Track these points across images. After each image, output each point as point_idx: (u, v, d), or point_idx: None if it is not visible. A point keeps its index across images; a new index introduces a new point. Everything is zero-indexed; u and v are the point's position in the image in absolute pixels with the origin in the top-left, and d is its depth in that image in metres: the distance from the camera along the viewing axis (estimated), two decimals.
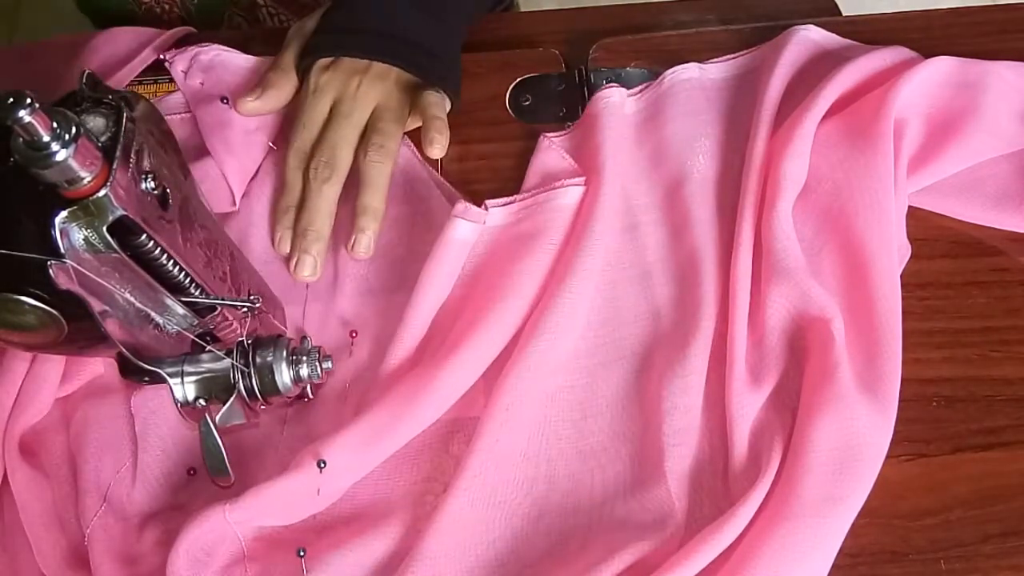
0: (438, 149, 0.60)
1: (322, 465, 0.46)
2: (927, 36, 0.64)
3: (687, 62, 0.64)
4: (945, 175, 0.58)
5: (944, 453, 0.51)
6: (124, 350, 0.43)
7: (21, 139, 0.34)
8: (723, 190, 0.58)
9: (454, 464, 0.50)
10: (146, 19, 0.81)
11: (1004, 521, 0.49)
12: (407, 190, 0.61)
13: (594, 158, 0.58)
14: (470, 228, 0.55)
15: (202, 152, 0.60)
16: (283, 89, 0.62)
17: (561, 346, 0.52)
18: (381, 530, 0.48)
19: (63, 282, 0.37)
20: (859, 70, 0.59)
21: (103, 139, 0.38)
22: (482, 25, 0.69)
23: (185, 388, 0.46)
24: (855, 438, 0.47)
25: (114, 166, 0.37)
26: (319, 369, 0.49)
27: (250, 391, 0.48)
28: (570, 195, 0.56)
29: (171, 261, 0.42)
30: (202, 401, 0.47)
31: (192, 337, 0.46)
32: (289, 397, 0.50)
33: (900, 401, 0.49)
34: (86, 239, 0.37)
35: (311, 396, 0.52)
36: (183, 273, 0.43)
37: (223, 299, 0.46)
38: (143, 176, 0.39)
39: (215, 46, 0.65)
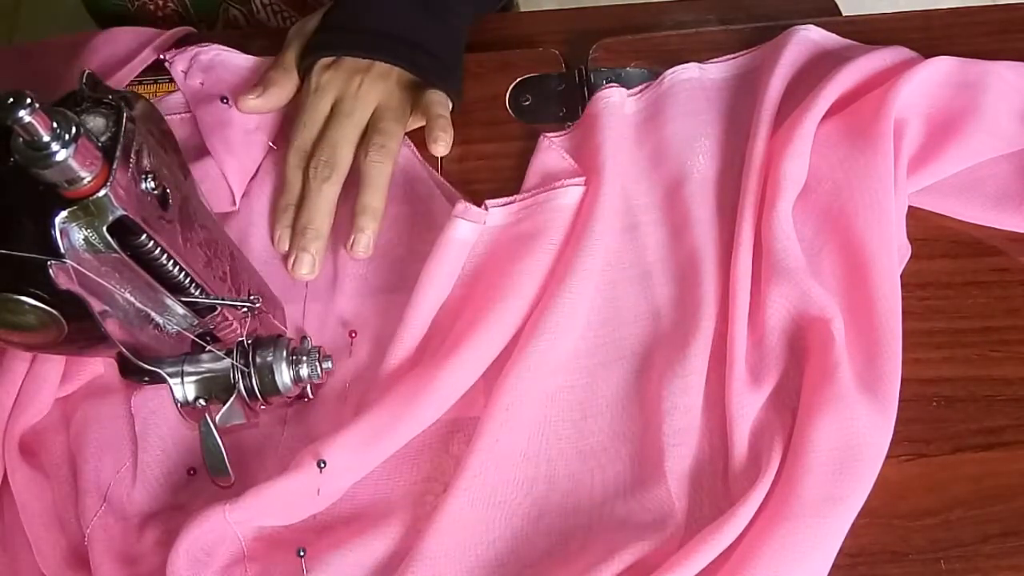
0: (442, 147, 0.60)
1: (322, 465, 0.46)
2: (927, 36, 0.64)
3: (687, 62, 0.64)
4: (945, 175, 0.58)
5: (944, 453, 0.51)
6: (124, 350, 0.43)
7: (21, 139, 0.34)
8: (723, 190, 0.58)
9: (454, 464, 0.50)
10: (140, 15, 0.82)
11: (1004, 521, 0.49)
12: (407, 190, 0.61)
13: (594, 158, 0.58)
14: (470, 228, 0.55)
15: (202, 152, 0.60)
16: (284, 88, 0.62)
17: (561, 346, 0.52)
18: (381, 530, 0.48)
19: (63, 282, 0.37)
20: (859, 70, 0.59)
21: (103, 139, 0.38)
22: (482, 25, 0.69)
23: (185, 388, 0.46)
24: (855, 438, 0.47)
25: (114, 166, 0.37)
26: (319, 369, 0.49)
27: (250, 391, 0.48)
28: (570, 195, 0.56)
29: (171, 261, 0.42)
30: (202, 401, 0.47)
31: (192, 337, 0.46)
32: (289, 397, 0.50)
33: (900, 401, 0.49)
34: (86, 239, 0.37)
35: (311, 396, 0.52)
36: (183, 273, 0.43)
37: (223, 299, 0.46)
38: (143, 176, 0.39)
39: (215, 46, 0.65)
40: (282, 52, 0.64)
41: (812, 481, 0.46)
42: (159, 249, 0.41)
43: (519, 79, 0.66)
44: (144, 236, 0.40)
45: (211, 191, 0.58)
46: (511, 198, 0.57)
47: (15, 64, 0.69)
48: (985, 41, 0.64)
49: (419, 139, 0.62)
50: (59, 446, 0.52)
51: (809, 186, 0.57)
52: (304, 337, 0.51)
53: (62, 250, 0.36)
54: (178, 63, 0.64)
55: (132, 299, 0.41)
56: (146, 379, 0.46)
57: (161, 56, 0.64)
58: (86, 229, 0.37)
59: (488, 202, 0.56)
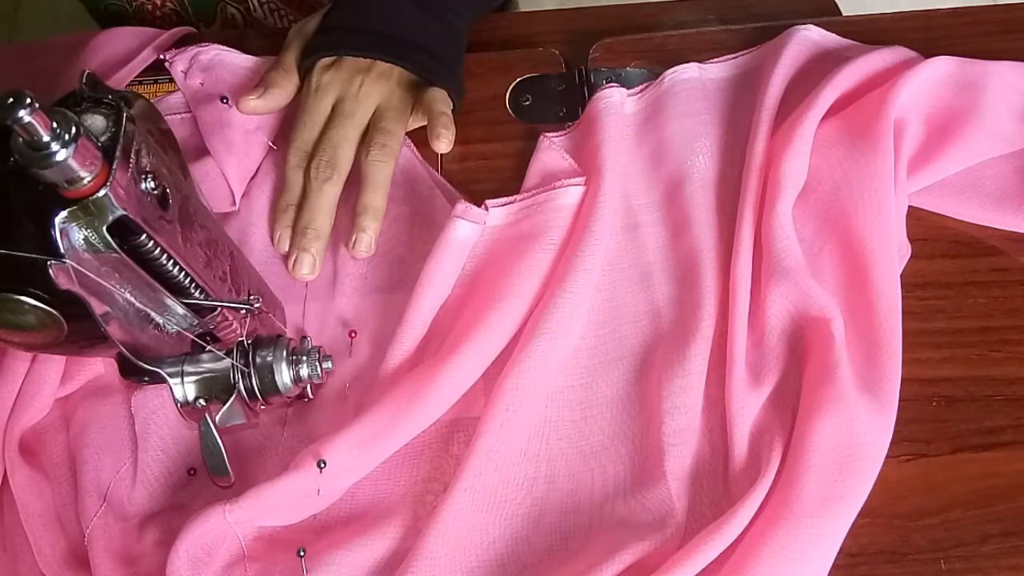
0: (445, 144, 0.60)
1: (322, 465, 0.46)
2: (927, 36, 0.64)
3: (687, 62, 0.64)
4: (945, 175, 0.58)
5: (944, 453, 0.51)
6: (124, 350, 0.43)
7: (21, 139, 0.34)
8: (723, 190, 0.58)
9: (454, 464, 0.50)
10: (138, 14, 0.82)
11: (1004, 521, 0.49)
12: (407, 190, 0.61)
13: (594, 158, 0.58)
14: (470, 228, 0.55)
15: (202, 152, 0.60)
16: (285, 88, 0.62)
17: (561, 346, 0.52)
18: (381, 530, 0.48)
19: (63, 282, 0.37)
20: (859, 70, 0.59)
21: (103, 139, 0.38)
22: (482, 25, 0.69)
23: (185, 388, 0.46)
24: (855, 438, 0.47)
25: (114, 166, 0.37)
26: (319, 369, 0.49)
27: (250, 391, 0.48)
28: (570, 195, 0.56)
29: (171, 261, 0.42)
30: (202, 401, 0.46)
31: (192, 337, 0.46)
32: (289, 397, 0.50)
33: (900, 401, 0.49)
34: (86, 239, 0.37)
35: (311, 396, 0.52)
36: (183, 273, 0.43)
37: (223, 301, 0.46)
38: (143, 176, 0.39)
39: (215, 46, 0.65)
40: (282, 53, 0.64)
41: (812, 481, 0.46)
42: (159, 249, 0.41)
43: (519, 79, 0.66)
44: (144, 236, 0.40)
45: (211, 191, 0.59)
46: (511, 198, 0.57)
47: (15, 64, 0.69)
48: (985, 41, 0.64)
49: (419, 139, 0.62)
50: (59, 446, 0.52)
51: (809, 186, 0.57)
52: (304, 337, 0.51)
53: (62, 250, 0.36)
54: (178, 63, 0.64)
55: (132, 299, 0.41)
56: (146, 379, 0.46)
57: (161, 56, 0.65)
58: (86, 229, 0.37)
59: (488, 202, 0.56)
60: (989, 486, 0.50)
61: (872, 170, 0.55)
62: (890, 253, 0.53)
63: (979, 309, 0.55)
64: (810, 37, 0.63)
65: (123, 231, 0.39)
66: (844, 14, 0.75)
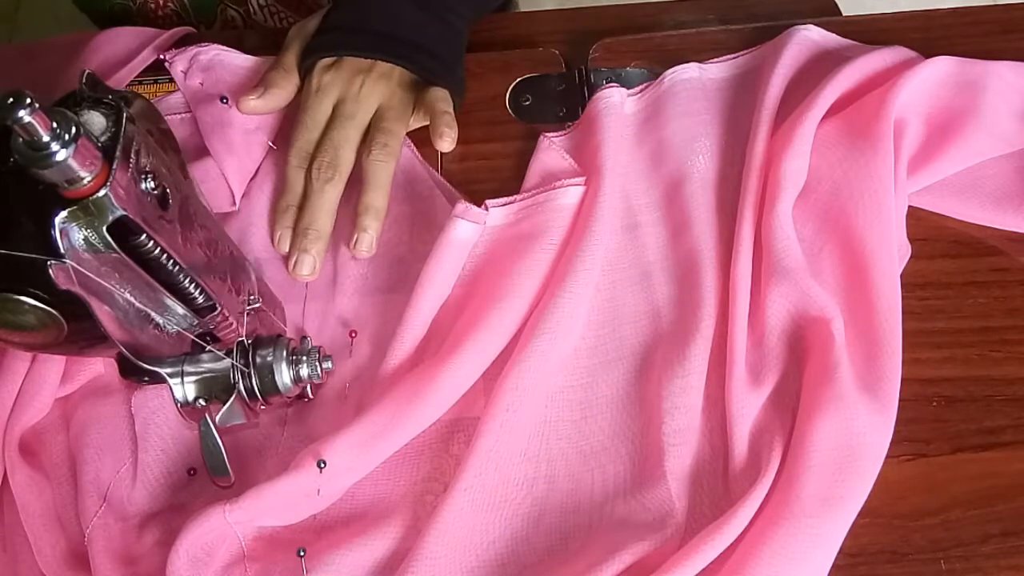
0: (447, 143, 0.60)
1: (322, 465, 0.46)
2: (927, 36, 0.64)
3: (687, 62, 0.64)
4: (945, 175, 0.58)
5: (944, 453, 0.51)
6: (124, 350, 0.43)
7: (21, 139, 0.34)
8: (723, 190, 0.58)
9: (454, 464, 0.50)
10: (141, 13, 0.82)
11: (1004, 521, 0.49)
12: (408, 190, 0.61)
13: (594, 158, 0.58)
14: (471, 228, 0.55)
15: (202, 152, 0.60)
16: (285, 89, 0.62)
17: (561, 346, 0.52)
18: (381, 530, 0.48)
19: (63, 282, 0.37)
20: (859, 70, 0.59)
21: (103, 139, 0.38)
22: (482, 25, 0.69)
23: (185, 388, 0.46)
24: (855, 438, 0.47)
25: (114, 166, 0.37)
26: (319, 369, 0.49)
27: (250, 391, 0.48)
28: (570, 195, 0.56)
29: (171, 261, 0.42)
30: (202, 401, 0.46)
31: (192, 337, 0.46)
32: (289, 397, 0.50)
33: (900, 401, 0.49)
34: (86, 239, 0.37)
35: (311, 396, 0.52)
36: (183, 273, 0.43)
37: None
38: (143, 176, 0.39)
39: (215, 46, 0.65)
40: (282, 53, 0.64)
41: (812, 481, 0.46)
42: (159, 249, 0.41)
43: (519, 79, 0.66)
44: (144, 236, 0.40)
45: (211, 191, 0.59)
46: (511, 198, 0.57)
47: (15, 64, 0.69)
48: (985, 41, 0.64)
49: (419, 139, 0.62)
50: (59, 446, 0.52)
51: (809, 186, 0.57)
52: (304, 337, 0.51)
53: (62, 250, 0.36)
54: (178, 63, 0.64)
55: (132, 299, 0.41)
56: (146, 379, 0.46)
57: (161, 56, 0.65)
58: (86, 229, 0.37)
59: (488, 202, 0.56)
60: (989, 486, 0.50)
61: (872, 170, 0.55)
62: (890, 253, 0.53)
63: (979, 309, 0.55)
64: (810, 37, 0.63)
65: (123, 231, 0.39)
66: (844, 14, 0.75)
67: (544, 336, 0.51)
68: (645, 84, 0.64)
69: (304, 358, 0.49)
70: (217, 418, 0.46)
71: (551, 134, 0.61)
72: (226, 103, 0.62)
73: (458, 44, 0.65)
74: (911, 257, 0.56)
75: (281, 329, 0.53)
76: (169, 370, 0.46)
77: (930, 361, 0.53)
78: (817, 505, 0.45)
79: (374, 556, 0.47)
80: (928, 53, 0.60)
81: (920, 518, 0.49)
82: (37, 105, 0.33)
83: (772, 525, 0.45)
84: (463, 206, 0.55)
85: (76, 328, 0.39)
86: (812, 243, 0.56)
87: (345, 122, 0.59)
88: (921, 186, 0.58)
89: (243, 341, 0.48)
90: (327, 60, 0.62)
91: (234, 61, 0.65)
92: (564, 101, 0.64)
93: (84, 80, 0.39)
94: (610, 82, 0.62)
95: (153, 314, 0.43)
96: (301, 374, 0.49)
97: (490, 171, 0.62)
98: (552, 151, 0.60)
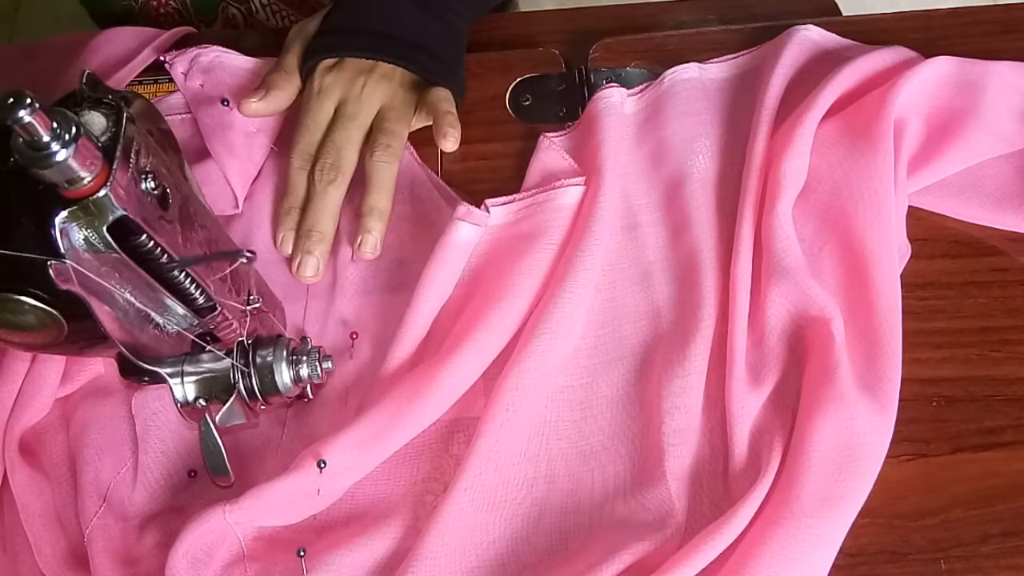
0: (451, 142, 0.60)
1: (322, 465, 0.46)
2: (927, 36, 0.64)
3: (687, 62, 0.64)
4: (945, 175, 0.58)
5: (944, 453, 0.51)
6: (124, 350, 0.43)
7: (21, 139, 0.34)
8: (723, 190, 0.58)
9: (454, 464, 0.50)
10: (143, 11, 0.82)
11: (1004, 521, 0.49)
12: (408, 191, 0.61)
13: (594, 158, 0.58)
14: (472, 231, 0.55)
15: (203, 154, 0.60)
16: (286, 90, 0.62)
17: (561, 346, 0.52)
18: (381, 530, 0.48)
19: (63, 282, 0.37)
20: (859, 70, 0.59)
21: (103, 139, 0.38)
22: (482, 25, 0.69)
23: (185, 388, 0.46)
24: (855, 438, 0.47)
25: (114, 166, 0.37)
26: (319, 369, 0.49)
27: (250, 391, 0.48)
28: (570, 195, 0.56)
29: (171, 261, 0.42)
30: (202, 401, 0.46)
31: (192, 337, 0.46)
32: (289, 397, 0.50)
33: (900, 401, 0.49)
34: (86, 239, 0.37)
35: (311, 396, 0.52)
36: (183, 273, 0.43)
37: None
38: (143, 176, 0.39)
39: (215, 47, 0.65)
40: (283, 54, 0.64)
41: (812, 481, 0.46)
42: (159, 249, 0.41)
43: (519, 79, 0.66)
44: (144, 236, 0.40)
45: (214, 194, 0.58)
46: (511, 197, 0.57)
47: (15, 64, 0.69)
48: (985, 41, 0.64)
49: (419, 140, 0.62)
50: (59, 446, 0.52)
51: (809, 186, 0.57)
52: (304, 337, 0.51)
53: (62, 250, 0.36)
54: (178, 64, 0.64)
55: (132, 299, 0.41)
56: (146, 379, 0.46)
57: (161, 57, 0.64)
58: (86, 229, 0.37)
59: (488, 201, 0.56)
60: (989, 486, 0.50)
61: (872, 170, 0.55)
62: (890, 253, 0.53)
63: (979, 309, 0.55)
64: (810, 37, 0.63)
65: (123, 231, 0.39)
66: (844, 14, 0.75)
67: (544, 336, 0.51)
68: (645, 84, 0.64)
69: (304, 358, 0.49)
70: (217, 418, 0.46)
71: (551, 134, 0.61)
72: (227, 105, 0.62)
73: (458, 44, 0.65)
74: (911, 257, 0.56)
75: (281, 329, 0.53)
76: (169, 370, 0.46)
77: (930, 361, 0.53)
78: (817, 505, 0.45)
79: (374, 556, 0.47)
80: (928, 53, 0.60)
81: (920, 518, 0.49)
82: (37, 105, 0.33)
83: (772, 525, 0.45)
84: (465, 208, 0.55)
85: (76, 328, 0.39)
86: (812, 243, 0.56)
87: (347, 123, 0.59)
88: (921, 186, 0.58)
89: (243, 341, 0.48)
90: (328, 61, 0.62)
91: (234, 63, 0.65)
92: (564, 101, 0.64)
93: (84, 80, 0.39)
94: (610, 82, 0.62)
95: (153, 314, 0.43)
96: (301, 374, 0.49)
97: (490, 171, 0.62)
98: (552, 151, 0.60)
